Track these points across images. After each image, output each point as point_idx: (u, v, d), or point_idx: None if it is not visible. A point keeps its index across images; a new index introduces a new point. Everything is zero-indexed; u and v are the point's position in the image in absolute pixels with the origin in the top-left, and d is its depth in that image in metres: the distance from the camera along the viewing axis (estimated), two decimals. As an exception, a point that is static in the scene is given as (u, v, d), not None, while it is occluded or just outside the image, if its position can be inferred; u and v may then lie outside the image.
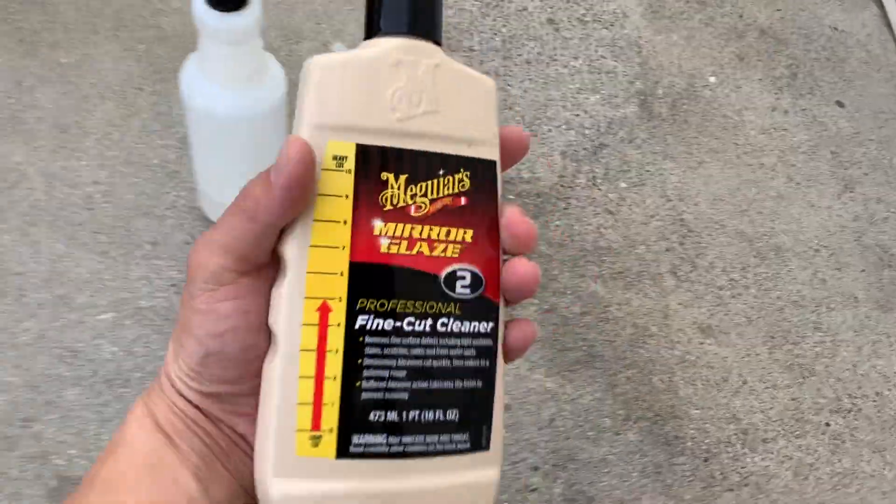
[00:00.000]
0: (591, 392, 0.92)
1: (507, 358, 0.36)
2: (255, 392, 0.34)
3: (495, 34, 1.20)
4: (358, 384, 0.32)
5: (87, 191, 0.95)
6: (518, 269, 0.34)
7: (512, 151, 0.36)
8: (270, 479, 0.32)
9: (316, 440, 0.32)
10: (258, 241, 0.32)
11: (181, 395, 0.34)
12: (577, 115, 1.13)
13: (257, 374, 0.33)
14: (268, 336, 0.33)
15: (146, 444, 0.33)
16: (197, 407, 0.34)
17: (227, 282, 0.32)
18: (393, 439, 0.32)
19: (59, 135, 0.98)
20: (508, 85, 1.14)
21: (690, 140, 1.17)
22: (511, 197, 1.03)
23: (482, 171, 0.34)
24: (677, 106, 1.20)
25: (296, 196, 0.31)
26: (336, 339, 0.32)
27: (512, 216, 0.34)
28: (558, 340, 0.94)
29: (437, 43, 0.35)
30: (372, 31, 0.34)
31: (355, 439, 0.32)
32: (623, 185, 1.09)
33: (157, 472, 0.32)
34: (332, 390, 0.32)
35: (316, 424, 0.32)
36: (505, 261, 0.35)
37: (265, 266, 0.33)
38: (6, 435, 0.78)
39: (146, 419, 0.34)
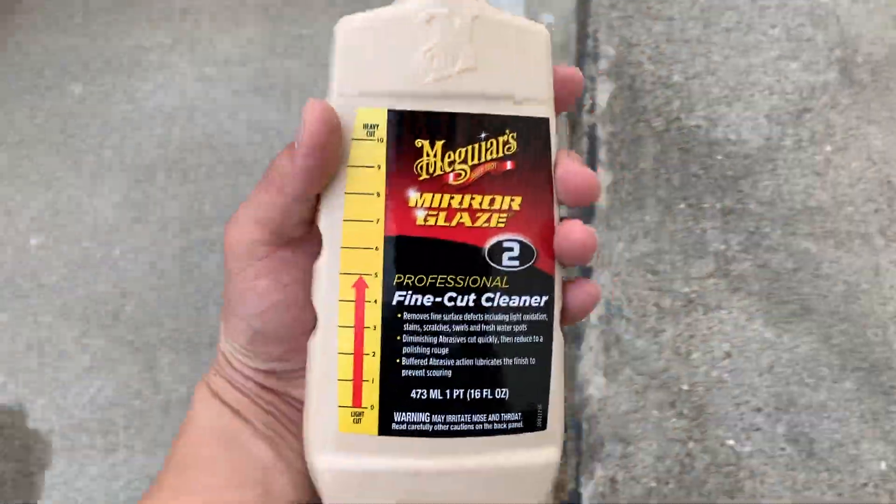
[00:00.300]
0: (808, 342, 0.96)
1: (567, 320, 0.34)
2: (305, 367, 0.34)
3: (694, 4, 1.24)
4: (398, 361, 0.31)
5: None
6: (571, 233, 0.32)
7: (565, 93, 0.33)
8: (316, 452, 0.32)
9: (358, 416, 0.32)
10: (288, 214, 0.31)
11: (238, 371, 0.35)
12: (779, 80, 1.17)
13: (305, 350, 0.33)
14: (313, 310, 0.32)
15: (215, 420, 0.34)
16: (255, 382, 0.35)
17: (262, 256, 0.32)
18: (437, 418, 0.32)
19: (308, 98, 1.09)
20: (710, 52, 1.18)
21: (893, 105, 1.18)
22: (719, 157, 1.08)
23: (532, 131, 0.32)
24: (878, 73, 1.21)
25: (319, 163, 0.30)
26: (374, 315, 0.31)
27: (567, 167, 0.32)
28: (773, 294, 0.98)
29: None
30: None
31: (397, 416, 0.32)
32: (828, 148, 1.12)
33: (230, 445, 0.33)
34: (372, 367, 0.31)
35: (357, 401, 0.31)
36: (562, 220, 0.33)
37: (302, 239, 0.33)
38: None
39: (211, 398, 0.34)
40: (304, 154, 0.29)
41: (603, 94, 1.14)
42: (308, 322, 0.33)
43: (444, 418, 0.32)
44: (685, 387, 0.91)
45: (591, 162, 1.07)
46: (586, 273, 0.98)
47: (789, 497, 0.86)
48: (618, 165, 1.07)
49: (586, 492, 0.85)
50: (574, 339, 0.94)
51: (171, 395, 0.87)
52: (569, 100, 0.34)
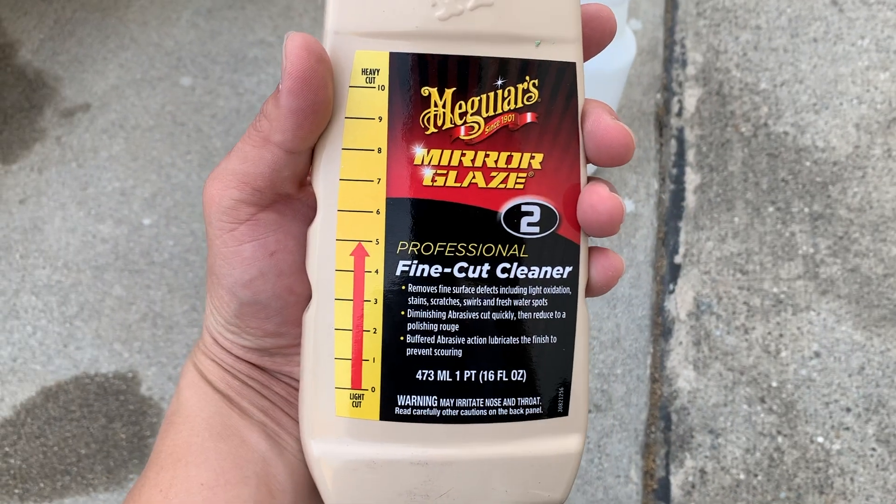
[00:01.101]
0: (898, 346, 0.96)
1: (589, 292, 0.30)
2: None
3: (781, 14, 1.26)
4: (402, 338, 0.28)
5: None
6: (598, 202, 0.27)
7: (596, 34, 0.29)
8: (310, 438, 0.29)
9: (357, 399, 0.28)
10: (275, 168, 0.27)
11: (227, 351, 0.31)
12: (868, 90, 1.18)
13: (301, 321, 0.29)
14: (307, 279, 0.29)
15: (205, 408, 0.30)
16: (247, 361, 0.32)
17: (245, 218, 0.28)
18: (445, 402, 0.28)
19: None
20: (798, 60, 1.20)
21: (984, 118, 1.18)
22: (807, 164, 1.09)
23: (556, 78, 0.27)
24: (969, 85, 1.21)
25: (307, 103, 0.25)
26: (374, 287, 0.28)
27: (599, 120, 0.27)
28: (863, 297, 0.99)
29: None
30: None
31: (401, 400, 0.28)
32: (918, 157, 1.12)
33: (223, 437, 0.30)
34: (373, 345, 0.28)
35: (356, 382, 0.28)
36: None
37: (292, 198, 0.29)
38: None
39: (199, 383, 0.31)
40: (288, 90, 0.25)
41: (691, 98, 1.16)
42: (302, 292, 0.29)
43: (454, 402, 0.28)
44: (774, 383, 0.92)
45: (680, 163, 1.09)
46: (675, 270, 1.00)
47: (879, 496, 0.86)
48: (706, 167, 1.09)
49: (676, 480, 0.86)
50: (663, 333, 0.95)
51: (275, 368, 0.91)
52: (601, 41, 0.29)
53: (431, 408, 0.28)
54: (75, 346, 0.92)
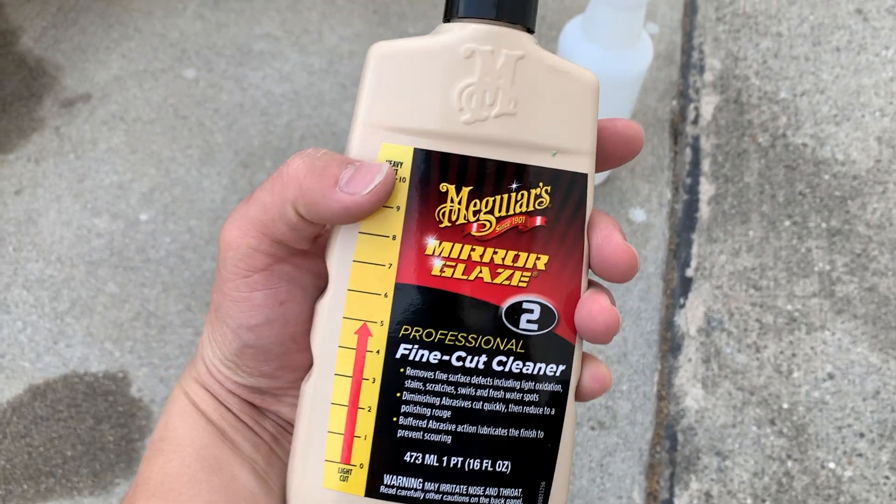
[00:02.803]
0: (916, 370, 0.93)
1: (577, 397, 0.31)
2: (295, 385, 0.31)
3: (803, 21, 1.22)
4: (395, 419, 0.29)
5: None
6: (595, 313, 0.29)
7: (619, 149, 0.30)
8: None
9: (345, 474, 0.29)
10: (300, 231, 0.28)
11: (220, 383, 0.32)
12: (891, 102, 1.14)
13: (298, 368, 0.31)
14: (308, 331, 0.30)
15: (196, 439, 0.30)
16: (239, 396, 0.32)
17: (261, 267, 0.28)
18: (430, 485, 0.29)
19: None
20: (819, 70, 1.16)
21: None
22: (826, 177, 1.06)
23: (568, 187, 0.29)
24: None
25: (362, 214, 0.27)
26: (374, 366, 0.29)
27: (609, 238, 0.29)
28: (880, 318, 0.95)
29: (529, 30, 0.29)
30: (450, 12, 0.29)
31: (387, 479, 0.29)
32: (942, 174, 1.08)
33: (213, 471, 0.30)
34: (366, 422, 0.29)
35: (346, 457, 0.29)
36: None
37: (306, 254, 0.30)
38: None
39: (191, 411, 0.31)
40: (362, 202, 0.27)
41: (707, 105, 1.12)
42: (303, 342, 0.30)
43: (438, 487, 0.29)
44: (785, 405, 0.89)
45: (694, 172, 1.05)
46: (686, 284, 0.97)
47: (892, 527, 0.83)
48: (721, 178, 1.05)
49: (680, 503, 0.83)
50: (672, 349, 0.92)
51: (269, 373, 0.88)
52: (624, 156, 0.31)
53: (416, 490, 0.29)
54: (65, 344, 0.90)
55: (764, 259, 0.98)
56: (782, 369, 0.91)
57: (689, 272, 0.97)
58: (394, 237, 0.28)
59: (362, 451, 0.29)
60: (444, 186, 0.28)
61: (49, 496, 0.81)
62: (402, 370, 0.29)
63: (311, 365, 0.30)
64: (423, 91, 0.28)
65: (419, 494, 0.29)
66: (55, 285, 0.94)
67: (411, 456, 0.29)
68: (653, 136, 1.09)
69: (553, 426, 0.30)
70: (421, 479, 0.29)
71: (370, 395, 0.29)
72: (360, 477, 0.29)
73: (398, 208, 0.28)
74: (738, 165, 1.06)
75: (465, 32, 0.28)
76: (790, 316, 0.94)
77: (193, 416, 0.30)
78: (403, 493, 0.29)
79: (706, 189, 1.04)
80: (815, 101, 1.13)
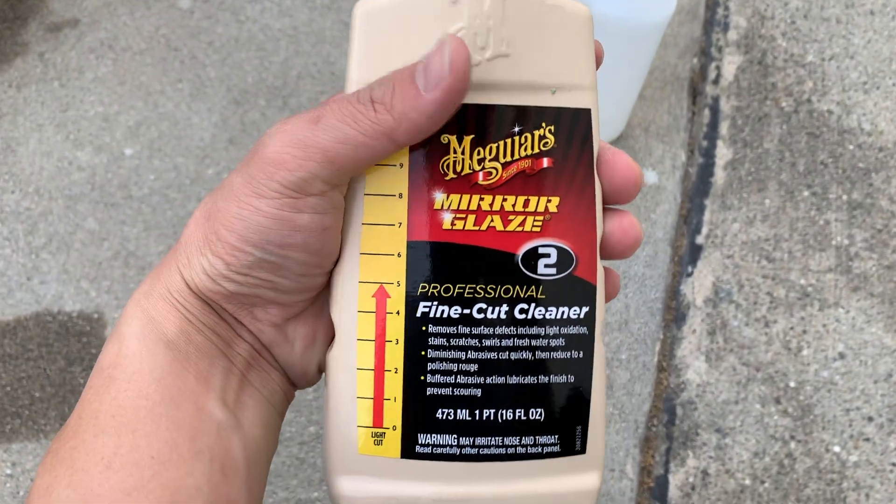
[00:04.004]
0: (932, 354, 0.88)
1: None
2: (298, 307, 0.30)
3: (837, -19, 1.15)
4: (422, 378, 0.28)
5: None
6: (631, 228, 0.29)
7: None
8: (335, 476, 0.29)
9: (379, 438, 0.29)
10: (374, 161, 0.27)
11: (199, 295, 0.28)
12: (924, 72, 1.07)
13: (308, 290, 0.29)
14: (332, 255, 0.29)
15: (157, 366, 0.27)
16: (218, 308, 0.29)
17: (315, 192, 0.27)
18: (465, 440, 0.29)
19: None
20: (851, 33, 1.10)
21: None
22: (850, 147, 1.00)
23: (572, 124, 0.28)
24: None
25: (449, 112, 0.26)
26: (396, 327, 0.28)
27: (619, 158, 0.29)
28: (898, 297, 0.90)
29: None
30: None
31: (421, 439, 0.29)
32: (973, 150, 1.02)
33: (175, 403, 0.27)
34: (394, 384, 0.28)
35: (378, 421, 0.29)
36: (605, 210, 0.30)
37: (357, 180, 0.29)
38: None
39: (150, 333, 0.27)
40: (441, 100, 0.25)
41: (730, 66, 1.06)
42: (324, 268, 0.29)
43: (473, 441, 0.29)
44: (792, 384, 0.84)
45: (712, 135, 1.00)
46: (695, 251, 0.92)
47: (896, 516, 0.79)
48: (740, 142, 0.99)
49: (675, 479, 0.79)
50: (676, 319, 0.87)
51: (251, 322, 0.83)
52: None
53: (451, 446, 0.29)
54: (39, 280, 0.85)
55: (779, 230, 0.93)
56: (791, 346, 0.86)
57: (700, 239, 0.92)
58: (400, 195, 0.28)
59: (393, 414, 0.28)
60: (444, 138, 0.28)
61: (14, 438, 0.77)
62: (424, 328, 0.28)
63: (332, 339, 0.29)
64: (413, 43, 0.27)
65: (455, 450, 0.29)
66: (31, 218, 0.89)
67: (443, 413, 0.29)
68: (670, 95, 1.03)
69: (583, 369, 0.29)
70: (455, 435, 0.29)
71: (395, 356, 0.28)
72: (395, 439, 0.29)
73: (401, 165, 0.28)
74: (758, 130, 1.01)
75: None
76: (803, 291, 0.89)
77: (153, 341, 0.27)
78: (439, 450, 0.29)
79: (723, 153, 0.99)
80: (843, 67, 1.06)
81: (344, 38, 1.04)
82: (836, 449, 0.82)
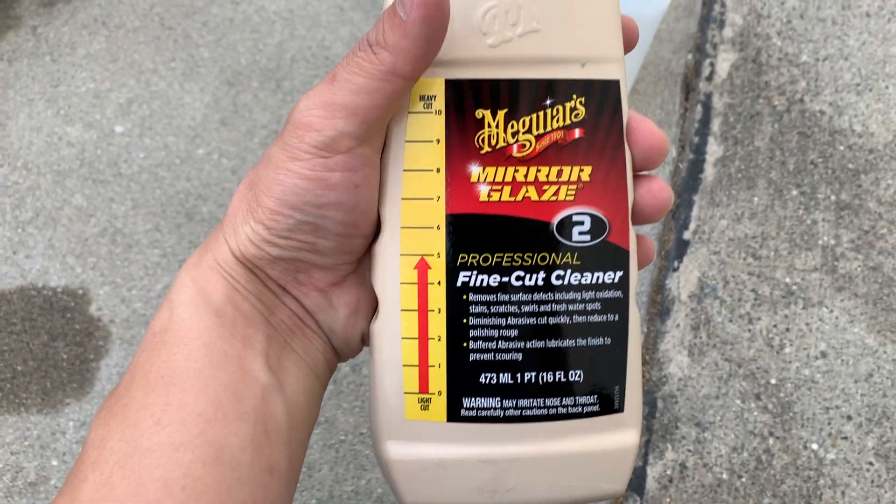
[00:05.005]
0: (913, 356, 0.89)
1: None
2: (341, 272, 0.31)
3: (834, -18, 1.15)
4: (465, 345, 0.30)
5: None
6: (655, 189, 0.31)
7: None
8: (383, 441, 0.31)
9: (425, 403, 0.30)
10: (392, 100, 0.28)
11: (245, 263, 0.30)
12: (917, 76, 1.08)
13: (351, 252, 0.30)
14: (375, 218, 0.30)
15: (205, 332, 0.28)
16: (262, 275, 0.30)
17: (344, 149, 0.28)
18: (508, 402, 0.30)
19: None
20: (846, 35, 1.10)
21: None
22: (840, 148, 1.00)
23: (602, 95, 0.29)
24: None
25: (438, 30, 0.26)
26: (437, 297, 0.30)
27: (644, 125, 0.30)
28: (882, 299, 0.91)
29: None
30: None
31: (466, 402, 0.30)
32: (962, 154, 1.03)
33: (222, 366, 0.28)
34: (438, 351, 0.30)
35: (424, 387, 0.30)
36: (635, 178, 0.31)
37: (384, 133, 0.29)
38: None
39: (199, 301, 0.29)
40: (423, 18, 0.26)
41: (724, 63, 1.06)
42: (364, 227, 0.30)
43: (516, 403, 0.30)
44: (773, 380, 0.85)
45: (703, 131, 1.00)
46: (682, 247, 0.92)
47: (870, 515, 0.79)
48: (731, 139, 1.00)
49: (653, 472, 0.80)
50: (660, 313, 0.88)
51: (236, 303, 0.83)
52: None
53: (495, 409, 0.30)
54: (25, 255, 0.85)
55: (766, 228, 0.93)
56: (774, 343, 0.87)
57: (687, 235, 0.93)
58: (437, 170, 0.29)
59: (438, 379, 0.30)
60: (479, 113, 0.29)
61: (-5, 410, 0.77)
62: (464, 297, 0.30)
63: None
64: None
65: (499, 413, 0.30)
66: (19, 193, 0.89)
67: (486, 377, 0.30)
68: (663, 90, 1.03)
69: (619, 331, 0.31)
70: (499, 398, 0.30)
71: (438, 325, 0.30)
72: (440, 404, 0.30)
73: (438, 141, 0.29)
74: (749, 128, 1.01)
75: None
76: (788, 289, 0.90)
77: (203, 307, 0.29)
78: (484, 413, 0.30)
79: (714, 150, 0.99)
80: (837, 68, 1.07)
81: (339, 23, 1.04)
82: (814, 446, 0.82)
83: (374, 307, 0.32)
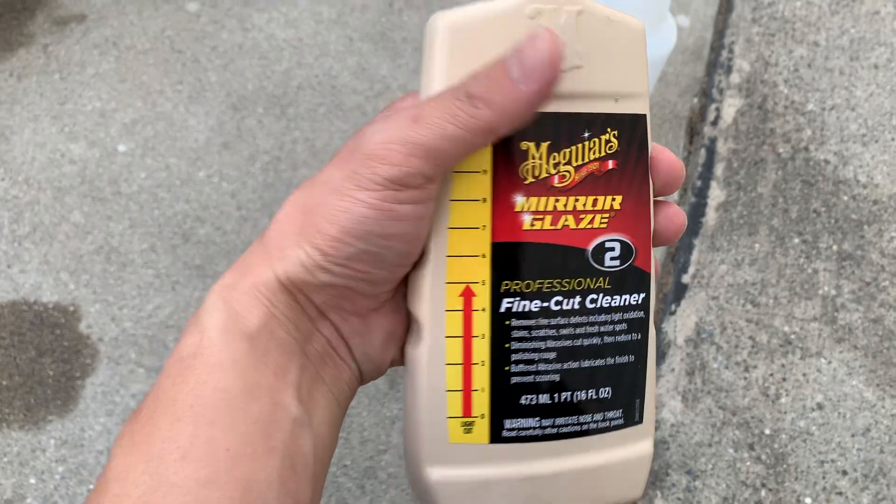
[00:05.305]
0: (912, 412, 0.87)
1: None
2: (382, 298, 0.31)
3: (843, 33, 1.15)
4: (507, 368, 0.31)
5: (441, 111, 1.00)
6: (677, 217, 0.33)
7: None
8: (424, 466, 0.31)
9: (468, 426, 0.31)
10: (473, 153, 0.29)
11: (288, 288, 0.29)
12: (925, 129, 1.07)
13: (396, 281, 0.31)
14: (422, 246, 0.30)
15: (237, 361, 0.27)
16: (304, 301, 0.30)
17: (416, 185, 0.28)
18: (546, 422, 0.31)
19: (420, 57, 1.05)
20: (853, 85, 1.10)
21: None
22: (844, 198, 0.99)
23: (632, 128, 0.31)
24: None
25: (544, 101, 0.28)
26: (482, 324, 0.30)
27: (664, 155, 0.32)
28: (882, 353, 0.89)
29: None
30: None
31: (508, 424, 0.31)
32: (968, 210, 1.02)
33: (254, 397, 0.27)
34: (482, 376, 0.31)
35: (467, 411, 0.31)
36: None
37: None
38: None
39: (232, 326, 0.28)
40: (537, 91, 0.27)
41: (730, 108, 1.06)
42: (414, 255, 0.30)
43: (553, 422, 0.31)
44: (767, 431, 0.83)
45: (706, 175, 0.99)
46: (680, 290, 0.91)
47: (864, 575, 0.77)
48: (734, 185, 0.99)
49: (641, 520, 0.78)
50: (656, 357, 0.86)
51: (227, 327, 0.83)
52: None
53: (534, 428, 0.31)
54: (19, 269, 0.85)
55: (767, 275, 0.92)
56: (770, 392, 0.85)
57: (686, 278, 0.92)
58: (484, 200, 0.30)
59: (481, 403, 0.31)
60: (524, 145, 0.30)
61: (-23, 425, 0.77)
62: (507, 322, 0.31)
63: (418, 336, 0.31)
64: (494, 55, 0.28)
65: (538, 432, 0.31)
66: (18, 207, 0.89)
67: (526, 399, 0.31)
68: (668, 132, 1.03)
69: (641, 348, 0.32)
70: (538, 418, 0.31)
71: (482, 350, 0.31)
72: (483, 427, 0.31)
73: (485, 171, 0.30)
74: (753, 174, 1.00)
75: None
76: (786, 338, 0.88)
77: (235, 333, 0.28)
78: (524, 433, 0.31)
79: (716, 194, 0.98)
80: (844, 118, 1.06)
81: (347, 53, 1.04)
82: (808, 500, 0.80)
83: (406, 331, 0.33)
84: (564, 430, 0.32)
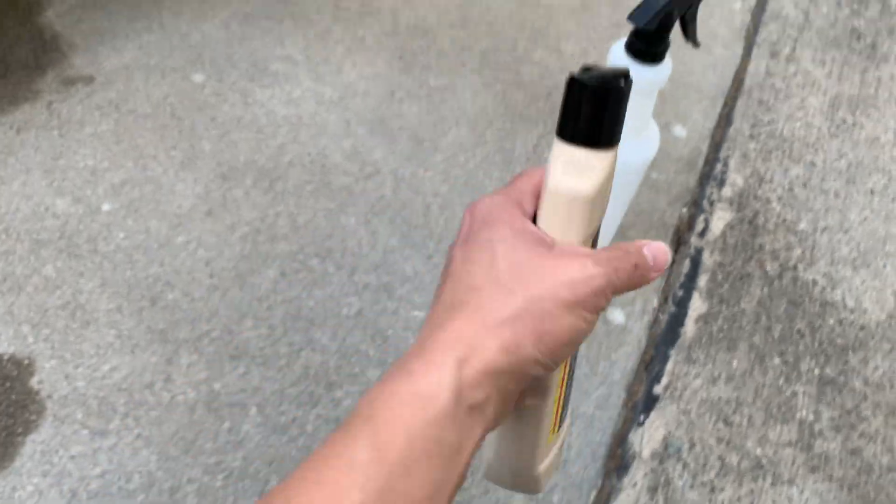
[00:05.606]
0: (888, 555, 0.82)
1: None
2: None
3: (841, 156, 1.15)
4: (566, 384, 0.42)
5: (427, 200, 1.00)
6: (659, 247, 0.39)
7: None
8: (538, 466, 0.43)
9: (552, 429, 0.43)
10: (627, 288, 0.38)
11: (514, 368, 0.33)
12: (918, 259, 1.05)
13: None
14: None
15: (447, 417, 0.31)
16: (510, 379, 0.34)
17: (600, 308, 0.36)
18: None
19: (414, 145, 1.06)
20: (848, 208, 1.09)
21: None
22: (830, 321, 0.97)
23: None
24: None
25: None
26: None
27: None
28: (858, 486, 0.85)
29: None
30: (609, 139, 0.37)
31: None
32: (959, 345, 0.98)
33: (443, 460, 0.31)
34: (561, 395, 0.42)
35: (556, 425, 0.43)
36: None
37: None
38: (311, 391, 0.83)
39: (452, 385, 0.31)
40: (654, 278, 0.39)
41: (719, 221, 1.05)
42: None
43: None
44: (730, 560, 0.78)
45: (689, 286, 0.98)
46: (651, 401, 0.88)
47: None
48: (716, 297, 0.97)
49: None
50: (618, 469, 0.83)
51: (178, 396, 0.81)
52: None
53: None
54: (-18, 317, 0.85)
55: (742, 393, 0.89)
56: (735, 519, 0.81)
57: (658, 389, 0.89)
58: None
59: (558, 410, 0.42)
60: None
61: None
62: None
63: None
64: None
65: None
66: (-7, 255, 0.89)
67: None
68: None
69: None
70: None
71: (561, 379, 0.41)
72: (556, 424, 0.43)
73: None
74: (737, 288, 0.98)
75: None
76: (757, 461, 0.84)
77: (451, 392, 0.31)
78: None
79: (697, 306, 0.96)
80: (835, 240, 1.05)
81: (343, 135, 1.06)
82: None
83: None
84: None
